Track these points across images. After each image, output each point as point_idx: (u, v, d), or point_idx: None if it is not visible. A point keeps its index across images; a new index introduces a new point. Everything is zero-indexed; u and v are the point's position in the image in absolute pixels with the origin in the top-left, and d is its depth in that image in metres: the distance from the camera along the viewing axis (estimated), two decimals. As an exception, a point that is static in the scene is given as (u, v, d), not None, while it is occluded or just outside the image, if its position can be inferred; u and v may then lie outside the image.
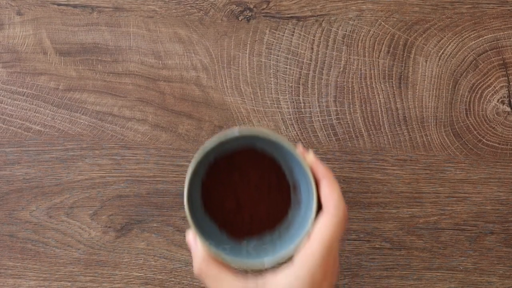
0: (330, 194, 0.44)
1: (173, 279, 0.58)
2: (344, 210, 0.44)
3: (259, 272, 0.48)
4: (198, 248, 0.45)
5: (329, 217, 0.43)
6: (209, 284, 0.45)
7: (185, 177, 0.58)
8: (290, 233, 0.47)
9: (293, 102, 0.57)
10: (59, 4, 0.58)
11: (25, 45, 0.58)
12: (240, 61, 0.58)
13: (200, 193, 0.48)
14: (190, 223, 0.43)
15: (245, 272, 0.49)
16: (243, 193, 0.48)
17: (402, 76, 0.58)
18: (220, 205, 0.48)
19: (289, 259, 0.44)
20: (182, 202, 0.58)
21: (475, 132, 0.58)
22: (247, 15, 0.58)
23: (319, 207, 0.45)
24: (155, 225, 0.58)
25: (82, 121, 0.58)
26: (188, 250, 0.58)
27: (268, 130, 0.47)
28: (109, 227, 0.58)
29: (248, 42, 0.58)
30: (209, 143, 0.43)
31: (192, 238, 0.45)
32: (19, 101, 0.58)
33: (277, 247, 0.46)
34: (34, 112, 0.58)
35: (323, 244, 0.42)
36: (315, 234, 0.43)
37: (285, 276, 0.43)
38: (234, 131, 0.44)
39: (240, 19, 0.58)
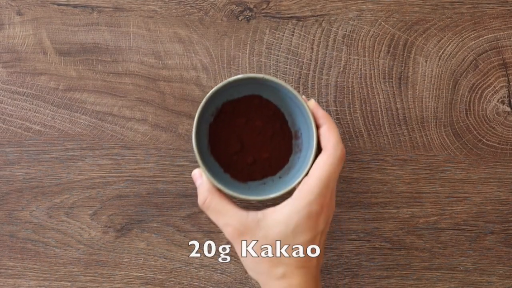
0: (329, 136, 0.47)
1: (173, 279, 0.58)
2: (342, 149, 0.47)
3: (261, 204, 0.51)
4: (204, 181, 0.48)
5: (327, 156, 0.46)
6: (212, 215, 0.48)
7: (185, 177, 0.58)
8: (290, 175, 0.51)
9: (293, 102, 0.57)
10: (59, 4, 0.58)
11: (25, 45, 0.58)
12: (240, 61, 0.58)
13: (207, 137, 0.52)
14: (198, 160, 0.47)
15: (246, 206, 0.52)
16: (248, 138, 0.52)
17: (402, 76, 0.58)
18: (225, 148, 0.52)
19: (289, 194, 0.47)
20: (182, 202, 0.58)
21: (475, 132, 0.58)
22: (247, 15, 0.58)
23: (319, 150, 0.48)
24: (155, 225, 0.58)
25: (82, 121, 0.58)
26: (188, 250, 0.58)
27: (273, 77, 0.50)
28: (109, 227, 0.58)
29: (248, 42, 0.58)
30: (217, 86, 0.47)
31: (198, 173, 0.49)
32: (19, 101, 0.58)
33: (278, 186, 0.50)
34: (34, 112, 0.58)
35: (320, 179, 0.45)
36: (313, 170, 0.46)
37: (284, 208, 0.45)
38: (240, 75, 0.48)
39: (240, 19, 0.58)
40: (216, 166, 0.52)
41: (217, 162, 0.52)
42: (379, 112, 0.58)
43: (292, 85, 0.58)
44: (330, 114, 0.58)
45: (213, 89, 0.48)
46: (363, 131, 0.58)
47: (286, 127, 0.53)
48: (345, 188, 0.58)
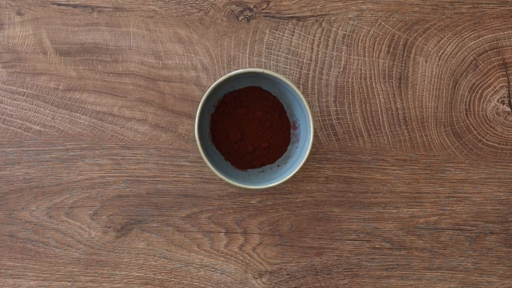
0: None
1: (173, 279, 0.58)
2: None
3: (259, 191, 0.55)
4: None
5: None
6: None
7: (185, 177, 0.58)
8: (289, 163, 0.55)
9: (293, 102, 0.57)
10: (59, 4, 0.58)
11: (25, 45, 0.58)
12: (240, 61, 0.58)
13: (209, 127, 0.55)
14: (200, 150, 0.51)
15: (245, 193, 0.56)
16: (248, 127, 0.55)
17: (402, 76, 0.58)
18: (226, 137, 0.55)
19: (286, 184, 0.51)
20: (182, 202, 0.58)
21: (475, 132, 0.58)
22: (247, 15, 0.58)
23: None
24: (155, 225, 0.58)
25: (82, 121, 0.58)
26: (188, 250, 0.58)
27: (273, 71, 0.53)
28: (109, 227, 0.58)
29: (248, 42, 0.58)
30: (218, 80, 0.51)
31: None
32: (19, 101, 0.58)
33: (276, 174, 0.54)
34: (34, 112, 0.58)
35: None
36: None
37: None
38: (241, 69, 0.52)
39: (240, 19, 0.58)
40: (217, 154, 0.55)
41: (218, 150, 0.56)
42: (379, 112, 0.58)
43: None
44: (330, 114, 0.58)
45: (215, 83, 0.51)
46: (363, 131, 0.58)
47: (285, 117, 0.56)
48: (345, 188, 0.58)
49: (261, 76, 0.53)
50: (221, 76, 0.58)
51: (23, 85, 0.58)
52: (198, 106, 0.52)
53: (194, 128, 0.56)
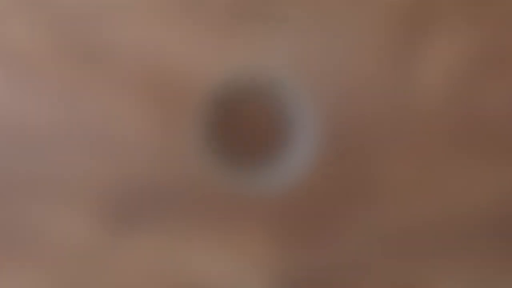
0: None
1: (173, 279, 0.58)
2: None
3: None
4: None
5: None
6: None
7: (186, 177, 0.59)
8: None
9: (294, 102, 0.58)
10: (59, 4, 0.58)
11: (26, 45, 0.58)
12: (240, 61, 0.58)
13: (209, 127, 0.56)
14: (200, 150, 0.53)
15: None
16: None
17: (402, 76, 0.58)
18: None
19: None
20: (182, 202, 0.58)
21: (475, 132, 0.58)
22: (247, 15, 0.58)
23: None
24: (155, 225, 0.58)
25: (82, 121, 0.58)
26: (188, 250, 0.58)
27: (273, 72, 0.54)
28: (109, 226, 0.58)
29: (249, 42, 0.58)
30: (219, 80, 0.52)
31: None
32: (19, 100, 0.58)
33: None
34: (34, 112, 0.58)
35: None
36: None
37: None
38: (241, 70, 0.53)
39: (240, 19, 0.58)
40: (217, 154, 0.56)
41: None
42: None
43: None
44: (331, 114, 0.58)
45: (215, 83, 0.52)
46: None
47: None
48: (346, 188, 0.58)
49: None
50: (221, 76, 0.58)
51: (23, 85, 0.58)
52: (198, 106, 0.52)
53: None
